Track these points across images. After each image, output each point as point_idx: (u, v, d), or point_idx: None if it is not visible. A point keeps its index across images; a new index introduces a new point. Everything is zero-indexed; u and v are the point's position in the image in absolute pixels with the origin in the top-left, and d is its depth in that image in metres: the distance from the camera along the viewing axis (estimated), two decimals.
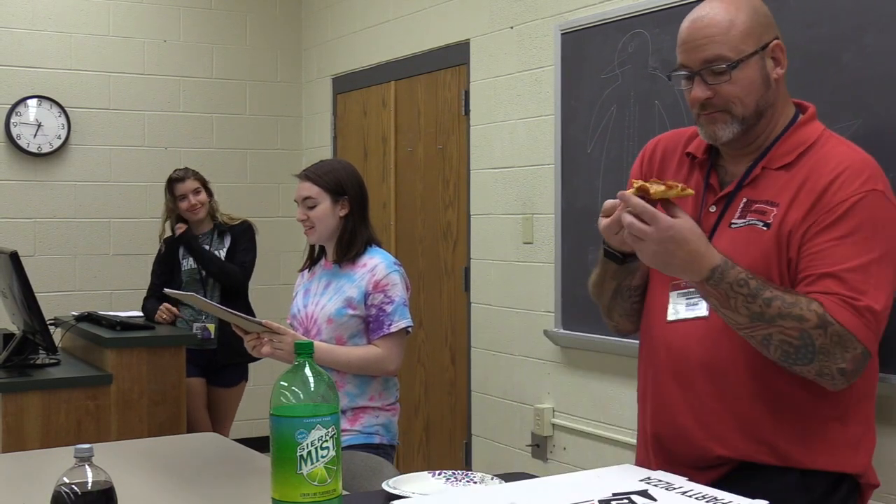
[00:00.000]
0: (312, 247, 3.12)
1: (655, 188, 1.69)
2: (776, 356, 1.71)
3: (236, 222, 4.75)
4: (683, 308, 1.87)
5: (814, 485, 1.78)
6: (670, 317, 1.89)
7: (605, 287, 2.01)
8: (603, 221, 1.79)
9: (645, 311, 2.02)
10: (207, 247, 4.67)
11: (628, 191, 1.71)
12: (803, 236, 1.74)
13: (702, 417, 1.84)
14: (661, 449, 1.94)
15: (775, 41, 1.84)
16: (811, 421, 1.79)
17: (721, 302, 1.70)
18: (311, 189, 2.98)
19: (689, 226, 1.68)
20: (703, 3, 1.88)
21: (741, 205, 1.82)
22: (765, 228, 1.77)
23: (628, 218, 1.68)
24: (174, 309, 4.59)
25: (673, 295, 1.89)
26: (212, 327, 4.59)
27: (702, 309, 1.83)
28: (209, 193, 4.74)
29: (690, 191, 1.73)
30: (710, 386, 1.83)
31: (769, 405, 1.79)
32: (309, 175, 3.01)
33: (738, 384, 1.80)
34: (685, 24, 1.86)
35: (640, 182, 1.72)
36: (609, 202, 1.79)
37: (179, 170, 4.78)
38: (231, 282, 4.58)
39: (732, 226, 1.83)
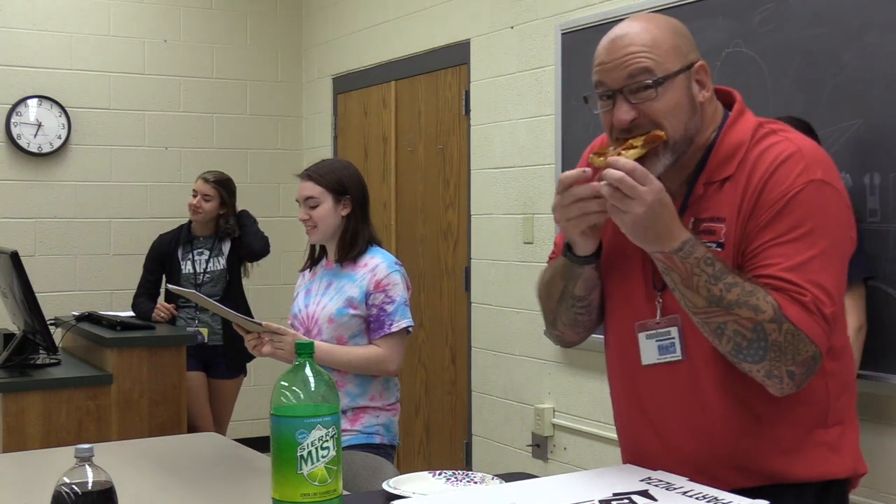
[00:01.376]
0: (313, 246, 3.12)
1: (632, 151, 1.63)
2: (728, 349, 1.63)
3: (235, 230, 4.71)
4: (655, 352, 1.79)
5: (803, 496, 1.74)
6: (645, 361, 1.80)
7: (554, 286, 1.87)
8: (558, 198, 1.67)
9: (607, 345, 1.94)
10: (207, 251, 4.67)
11: (596, 160, 1.64)
12: (747, 239, 1.68)
13: (682, 457, 1.78)
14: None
15: (700, 62, 1.72)
16: (794, 433, 1.74)
17: (684, 279, 1.62)
18: (313, 189, 2.98)
19: (668, 195, 1.63)
20: (620, 23, 1.76)
21: (689, 226, 1.71)
22: (720, 249, 1.69)
23: (618, 174, 1.58)
24: (171, 307, 4.58)
25: (641, 337, 1.80)
26: (205, 332, 4.59)
27: (676, 352, 1.76)
28: (225, 206, 4.72)
29: (657, 133, 1.66)
30: (688, 430, 1.77)
31: (751, 433, 1.73)
32: (311, 175, 3.00)
33: (716, 421, 1.74)
34: (603, 42, 1.73)
35: (607, 150, 1.65)
36: (568, 175, 1.66)
37: (213, 172, 4.79)
38: (261, 252, 4.69)
39: None
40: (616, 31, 1.72)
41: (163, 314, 4.56)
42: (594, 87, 1.73)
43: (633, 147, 1.64)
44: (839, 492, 1.80)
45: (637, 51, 1.67)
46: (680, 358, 1.75)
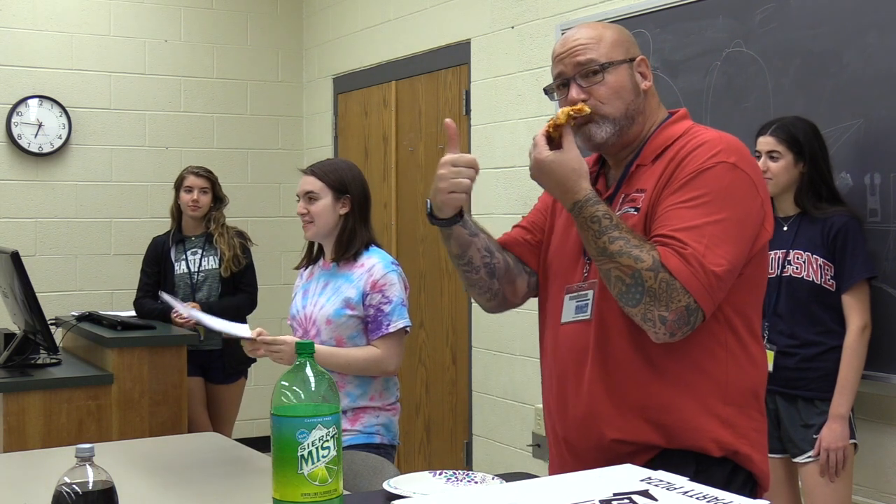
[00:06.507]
0: (311, 245, 3.13)
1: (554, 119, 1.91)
2: (615, 292, 1.83)
3: (240, 266, 4.66)
4: (573, 311, 1.98)
5: (712, 474, 1.82)
6: (563, 319, 2.00)
7: (450, 254, 2.13)
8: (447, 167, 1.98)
9: (541, 315, 2.12)
10: (200, 250, 4.66)
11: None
12: (657, 205, 1.88)
13: (592, 406, 1.93)
14: (572, 452, 2.00)
15: (640, 57, 2.01)
16: (693, 397, 1.88)
17: (581, 232, 1.87)
18: (314, 184, 3.00)
19: (564, 159, 1.87)
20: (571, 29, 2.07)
21: (620, 201, 1.96)
22: (635, 213, 1.91)
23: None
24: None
25: (566, 298, 2.00)
26: (201, 329, 4.57)
27: (587, 312, 1.95)
28: (216, 199, 4.72)
29: (568, 111, 1.90)
30: (599, 376, 1.92)
31: (654, 387, 1.89)
32: (314, 171, 3.03)
33: (623, 372, 1.90)
34: (557, 44, 2.04)
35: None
36: (448, 157, 1.97)
37: (195, 166, 4.78)
38: (247, 312, 4.66)
39: None
40: (567, 33, 2.04)
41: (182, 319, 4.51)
42: (553, 79, 2.02)
43: (550, 126, 1.91)
44: (746, 483, 1.91)
45: (585, 43, 1.97)
46: (588, 318, 1.94)
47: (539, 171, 1.90)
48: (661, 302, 1.77)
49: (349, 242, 2.99)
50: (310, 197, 2.99)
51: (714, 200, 1.81)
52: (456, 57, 5.04)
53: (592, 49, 1.96)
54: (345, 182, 3.01)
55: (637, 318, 1.82)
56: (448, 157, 1.98)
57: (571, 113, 1.90)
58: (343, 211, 3.00)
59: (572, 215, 1.88)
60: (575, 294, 1.99)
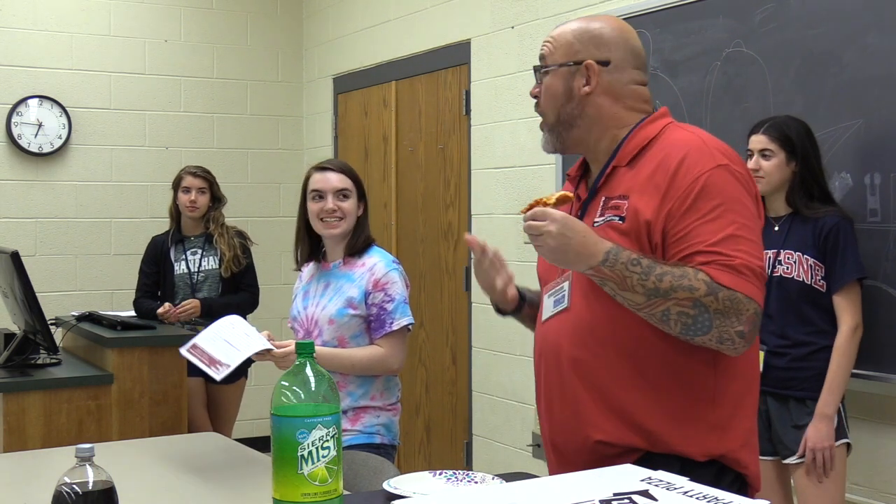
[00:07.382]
0: (307, 243, 3.14)
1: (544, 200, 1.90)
2: (677, 330, 1.80)
3: (241, 266, 4.67)
4: (552, 306, 1.98)
5: (697, 475, 1.80)
6: (543, 317, 2.01)
7: (528, 327, 2.20)
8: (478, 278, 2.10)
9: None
10: (200, 250, 4.66)
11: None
12: (666, 220, 1.85)
13: (576, 407, 1.92)
14: (558, 453, 1.99)
15: (590, 61, 1.96)
16: (680, 404, 1.87)
17: (619, 284, 1.80)
18: (345, 181, 3.02)
19: (576, 219, 1.85)
20: None
21: (600, 204, 1.94)
22: (620, 222, 1.88)
23: (527, 222, 1.84)
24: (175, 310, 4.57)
25: (545, 297, 2.02)
26: (200, 328, 4.56)
27: (564, 302, 1.95)
28: (214, 199, 4.71)
29: (565, 193, 1.92)
30: (581, 377, 1.91)
31: (638, 391, 1.87)
32: (343, 169, 3.05)
33: (605, 374, 1.89)
34: None
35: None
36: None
37: (193, 166, 4.77)
38: (248, 311, 4.65)
39: (595, 225, 1.93)
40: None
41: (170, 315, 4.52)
42: None
43: (546, 203, 1.89)
44: (734, 482, 1.90)
45: (548, 40, 2.03)
46: (566, 306, 1.94)
47: (568, 229, 1.81)
48: (731, 318, 1.77)
49: (358, 244, 3.02)
50: (344, 194, 3.00)
51: (731, 207, 1.82)
52: (456, 57, 5.05)
53: (548, 46, 2.01)
54: (363, 186, 3.08)
55: (712, 343, 1.80)
56: (475, 259, 2.10)
57: (560, 199, 1.90)
58: (359, 213, 3.04)
59: (603, 270, 1.80)
60: (552, 290, 1.99)
